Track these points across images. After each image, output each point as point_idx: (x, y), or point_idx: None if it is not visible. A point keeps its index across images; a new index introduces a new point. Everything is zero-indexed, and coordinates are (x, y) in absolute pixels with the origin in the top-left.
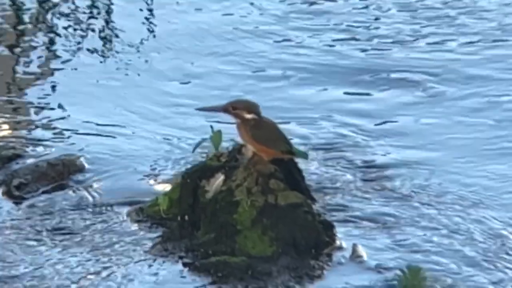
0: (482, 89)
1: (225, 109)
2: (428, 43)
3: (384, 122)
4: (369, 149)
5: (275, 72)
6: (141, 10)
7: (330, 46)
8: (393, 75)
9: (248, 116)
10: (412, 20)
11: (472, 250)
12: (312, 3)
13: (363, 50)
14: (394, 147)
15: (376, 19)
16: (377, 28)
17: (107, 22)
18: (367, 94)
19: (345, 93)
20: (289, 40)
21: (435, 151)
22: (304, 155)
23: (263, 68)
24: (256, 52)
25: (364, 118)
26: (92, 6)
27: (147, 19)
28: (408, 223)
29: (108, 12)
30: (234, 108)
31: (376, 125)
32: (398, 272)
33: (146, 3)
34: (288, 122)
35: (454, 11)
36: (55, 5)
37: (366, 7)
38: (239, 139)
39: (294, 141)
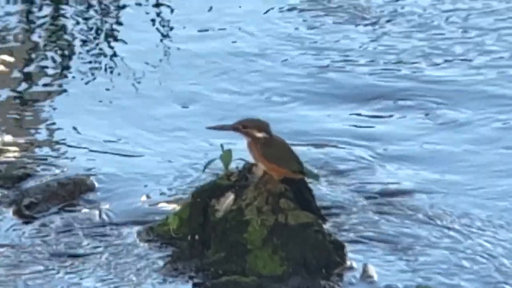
0: (493, 114)
1: (235, 127)
2: (439, 65)
3: (396, 146)
4: (380, 171)
5: (280, 95)
6: (149, 30)
7: (335, 68)
8: (401, 100)
9: (259, 134)
10: (421, 41)
11: (487, 272)
12: (314, 27)
13: (371, 74)
14: (405, 169)
15: (382, 40)
16: (383, 50)
17: (115, 39)
18: (377, 117)
19: (353, 114)
20: (293, 61)
21: (447, 174)
22: (316, 177)
23: (268, 90)
24: (260, 74)
25: (374, 141)
26: (101, 25)
27: (155, 40)
28: (420, 243)
29: (115, 32)
30: (245, 126)
31: (386, 148)
32: None
33: (160, 25)
34: (297, 144)
35: (463, 32)
36: (64, 24)
37: (372, 29)
38: (250, 158)
39: (305, 163)
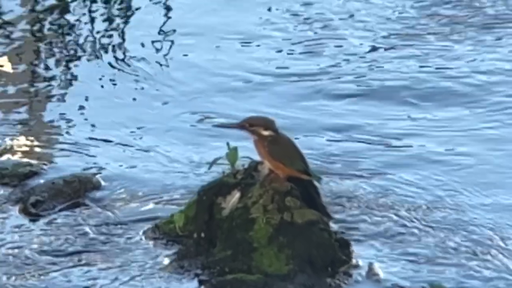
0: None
1: (241, 126)
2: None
3: (400, 145)
4: (386, 169)
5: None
6: (152, 37)
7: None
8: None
9: (265, 132)
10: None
11: (495, 272)
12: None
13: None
14: (411, 168)
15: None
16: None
17: (123, 36)
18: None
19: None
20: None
21: (454, 174)
22: (318, 178)
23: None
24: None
25: (379, 138)
26: (107, 25)
27: (159, 45)
28: (426, 242)
29: (123, 30)
30: (251, 125)
31: (392, 146)
32: None
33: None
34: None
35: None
36: (71, 27)
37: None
38: (257, 156)
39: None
